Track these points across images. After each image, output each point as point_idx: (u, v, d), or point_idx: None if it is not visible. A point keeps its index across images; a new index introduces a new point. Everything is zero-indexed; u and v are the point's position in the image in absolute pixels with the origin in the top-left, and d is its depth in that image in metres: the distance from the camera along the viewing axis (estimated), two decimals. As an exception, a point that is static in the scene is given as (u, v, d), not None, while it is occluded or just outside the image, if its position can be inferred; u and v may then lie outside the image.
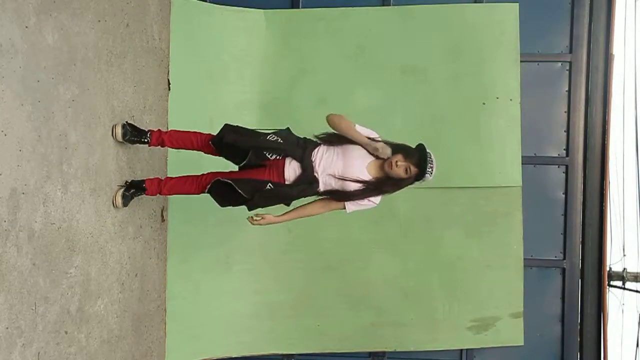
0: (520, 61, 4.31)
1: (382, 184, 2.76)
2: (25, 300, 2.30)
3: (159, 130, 3.08)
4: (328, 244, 4.37)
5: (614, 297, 6.80)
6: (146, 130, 3.07)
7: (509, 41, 4.31)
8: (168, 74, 3.94)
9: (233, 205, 2.87)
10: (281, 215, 2.88)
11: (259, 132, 2.86)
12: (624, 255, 7.01)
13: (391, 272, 4.37)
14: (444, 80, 4.35)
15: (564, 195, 4.47)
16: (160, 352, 3.86)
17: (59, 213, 2.52)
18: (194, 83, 4.16)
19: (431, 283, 4.38)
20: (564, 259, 4.49)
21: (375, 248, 4.37)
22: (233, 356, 4.34)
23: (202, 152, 3.01)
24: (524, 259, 4.35)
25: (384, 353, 4.51)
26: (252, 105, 4.39)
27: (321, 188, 2.79)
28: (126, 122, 3.08)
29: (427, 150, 2.69)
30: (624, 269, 6.47)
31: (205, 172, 2.99)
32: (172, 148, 3.11)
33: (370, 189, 2.75)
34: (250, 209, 2.87)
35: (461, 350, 4.51)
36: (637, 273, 6.50)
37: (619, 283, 6.48)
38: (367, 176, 2.75)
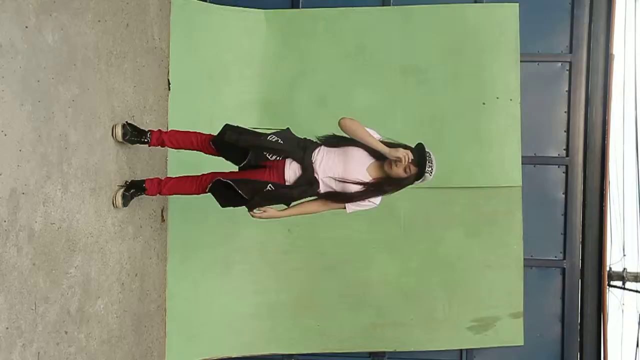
0: (520, 61, 4.31)
1: (383, 185, 2.76)
2: (25, 300, 2.30)
3: (159, 130, 3.08)
4: (328, 244, 4.37)
5: (614, 297, 6.80)
6: (146, 130, 3.07)
7: (509, 41, 4.31)
8: (168, 74, 3.94)
9: (234, 206, 2.86)
10: (283, 210, 2.88)
11: (259, 132, 2.86)
12: (624, 255, 7.01)
13: (391, 272, 4.37)
14: (444, 80, 4.35)
15: (564, 195, 4.47)
16: (160, 352, 3.86)
17: (59, 213, 2.52)
18: (194, 83, 4.16)
19: (431, 283, 4.38)
20: (564, 259, 4.49)
21: (376, 248, 4.37)
22: (233, 356, 4.34)
23: (202, 152, 3.01)
24: (524, 259, 4.35)
25: (384, 353, 4.51)
26: (252, 105, 4.39)
27: (322, 189, 2.79)
28: (126, 122, 3.08)
29: (427, 150, 2.69)
30: (624, 269, 6.47)
31: (205, 172, 2.99)
32: (172, 148, 3.11)
33: (371, 190, 2.75)
34: (250, 210, 2.87)
35: (461, 350, 4.51)
36: (637, 273, 6.50)
37: (619, 283, 6.48)
38: (367, 178, 2.75)
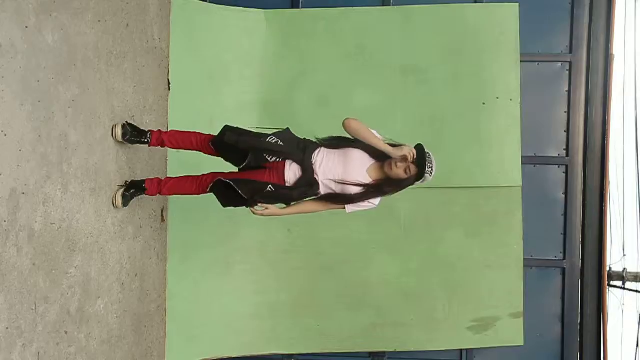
0: (520, 61, 4.31)
1: (383, 186, 2.76)
2: (25, 300, 2.30)
3: (159, 130, 3.08)
4: (328, 244, 4.37)
5: (614, 297, 6.80)
6: (146, 130, 3.07)
7: (509, 41, 4.31)
8: (168, 74, 3.94)
9: (235, 206, 2.86)
10: (283, 208, 2.88)
11: (259, 134, 2.85)
12: (624, 255, 7.01)
13: (391, 272, 4.37)
14: (444, 80, 4.35)
15: (564, 195, 4.47)
16: (160, 352, 3.86)
17: (59, 213, 2.52)
18: (194, 83, 4.16)
19: (431, 283, 4.38)
20: (564, 259, 4.49)
21: (376, 248, 4.37)
22: (233, 356, 4.34)
23: (202, 153, 3.01)
24: (524, 259, 4.35)
25: (384, 353, 4.51)
26: (252, 105, 4.39)
27: (322, 191, 2.79)
28: (126, 122, 3.09)
29: (427, 151, 2.69)
30: (624, 269, 6.47)
31: (205, 172, 2.99)
32: (172, 148, 3.11)
33: (371, 191, 2.75)
34: (252, 206, 2.86)
35: (461, 350, 4.51)
36: (637, 273, 6.50)
37: (619, 283, 6.47)
38: (367, 179, 2.75)
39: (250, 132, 2.88)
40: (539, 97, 4.44)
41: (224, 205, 2.89)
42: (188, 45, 4.12)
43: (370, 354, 4.54)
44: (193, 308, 4.14)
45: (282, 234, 4.33)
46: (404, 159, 2.64)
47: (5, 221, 2.15)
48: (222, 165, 2.99)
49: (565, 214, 4.46)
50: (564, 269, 4.49)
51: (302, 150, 2.78)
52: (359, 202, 2.78)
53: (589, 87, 4.42)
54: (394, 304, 4.38)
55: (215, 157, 2.99)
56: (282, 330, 4.38)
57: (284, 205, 2.88)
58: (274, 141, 2.77)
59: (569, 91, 4.44)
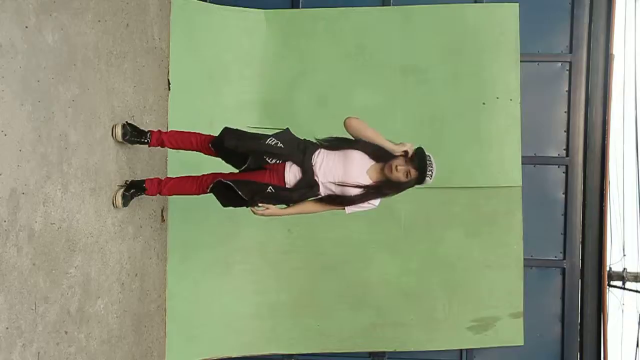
0: (520, 61, 4.31)
1: (382, 188, 2.76)
2: (25, 300, 2.30)
3: (159, 130, 3.08)
4: (328, 244, 4.37)
5: (614, 297, 6.80)
6: (146, 130, 3.07)
7: (509, 41, 4.31)
8: (168, 74, 3.94)
9: (234, 206, 2.86)
10: (284, 209, 2.88)
11: (258, 136, 2.84)
12: (624, 255, 7.01)
13: (391, 272, 4.37)
14: (444, 80, 4.35)
15: (564, 195, 4.47)
16: (160, 352, 3.86)
17: (59, 213, 2.52)
18: (194, 83, 4.16)
19: (431, 283, 4.38)
20: (564, 259, 4.49)
21: (376, 248, 4.37)
22: (233, 356, 4.34)
23: (202, 153, 3.01)
24: (524, 259, 4.35)
25: (384, 353, 4.51)
26: (252, 105, 4.39)
27: (322, 192, 2.79)
28: (126, 122, 3.08)
29: (427, 154, 2.69)
30: (624, 269, 6.48)
31: (205, 173, 2.99)
32: (172, 148, 3.11)
33: (371, 192, 2.75)
34: (252, 206, 2.86)
35: (461, 350, 4.51)
36: (637, 273, 6.50)
37: (619, 283, 6.48)
38: (367, 181, 2.75)
39: (250, 134, 2.87)
40: (539, 97, 4.44)
41: (224, 206, 2.90)
42: (188, 45, 4.12)
43: (370, 354, 4.54)
44: (193, 308, 4.14)
45: (282, 234, 4.33)
46: (406, 155, 2.66)
47: (5, 221, 2.15)
48: (222, 166, 2.98)
49: (565, 214, 4.46)
50: (564, 269, 4.49)
51: (302, 152, 2.78)
52: (359, 203, 2.78)
53: (589, 87, 4.42)
54: (394, 304, 4.38)
55: (216, 158, 2.99)
56: (282, 330, 4.38)
57: (284, 206, 2.88)
58: (273, 143, 2.76)
59: (569, 91, 4.44)
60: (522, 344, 4.38)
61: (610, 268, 6.29)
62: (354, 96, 4.36)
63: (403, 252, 4.37)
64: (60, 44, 2.52)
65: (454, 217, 4.36)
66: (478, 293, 4.37)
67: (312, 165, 2.76)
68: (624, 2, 6.37)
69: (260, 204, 2.80)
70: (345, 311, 4.39)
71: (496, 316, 4.38)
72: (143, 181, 3.10)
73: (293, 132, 2.89)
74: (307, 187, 2.77)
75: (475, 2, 4.41)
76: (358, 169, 2.74)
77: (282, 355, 4.48)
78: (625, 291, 6.56)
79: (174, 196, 3.35)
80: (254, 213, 2.83)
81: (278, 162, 2.79)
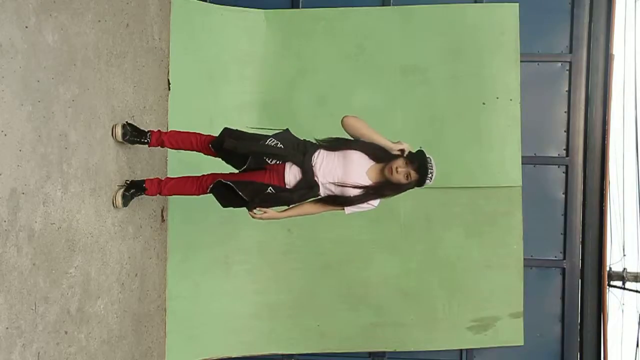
0: (520, 61, 4.31)
1: (382, 189, 2.75)
2: (25, 300, 2.30)
3: (159, 130, 3.08)
4: (328, 244, 4.37)
5: (614, 297, 6.81)
6: (146, 130, 3.07)
7: (509, 41, 4.31)
8: (168, 74, 3.94)
9: (234, 207, 2.86)
10: (282, 211, 2.88)
11: (258, 136, 2.84)
12: (624, 255, 7.02)
13: (391, 272, 4.37)
14: (444, 80, 4.35)
15: (564, 195, 4.47)
16: (160, 352, 3.86)
17: (59, 213, 2.52)
18: (194, 83, 4.16)
19: (431, 283, 4.38)
20: (564, 259, 4.49)
21: (375, 248, 4.37)
22: (233, 356, 4.34)
23: (202, 153, 3.01)
24: (524, 259, 4.35)
25: (384, 353, 4.51)
26: (252, 106, 4.39)
27: (322, 193, 2.79)
28: (126, 122, 3.08)
29: (428, 156, 2.69)
30: (624, 269, 6.48)
31: (205, 173, 2.99)
32: (172, 149, 3.10)
33: (370, 193, 2.75)
34: (251, 210, 2.86)
35: (461, 350, 4.51)
36: (637, 273, 6.51)
37: (619, 283, 6.48)
38: (367, 181, 2.74)
39: (250, 134, 2.87)
40: (539, 97, 4.44)
41: (224, 206, 2.90)
42: (188, 45, 4.12)
43: (370, 354, 4.54)
44: (193, 308, 4.14)
45: (282, 234, 4.33)
46: (402, 153, 2.66)
47: (5, 221, 2.15)
48: (222, 166, 2.98)
49: (565, 214, 4.46)
50: (564, 269, 4.49)
51: (302, 152, 2.78)
52: (358, 203, 2.78)
53: (589, 87, 4.42)
54: (394, 304, 4.38)
55: (216, 158, 2.98)
56: (282, 330, 4.38)
57: (283, 208, 2.88)
58: (273, 143, 2.76)
59: (569, 91, 4.44)
60: (522, 344, 4.38)
61: (610, 268, 6.30)
62: (353, 96, 4.36)
63: (403, 252, 4.37)
64: (60, 44, 2.52)
65: (454, 217, 4.36)
66: (478, 293, 4.37)
67: (312, 166, 2.75)
68: (624, 2, 6.38)
69: (258, 208, 2.80)
70: (345, 311, 4.39)
71: (496, 316, 4.38)
72: (143, 181, 3.10)
73: (293, 133, 2.89)
74: (307, 188, 2.77)
75: (475, 2, 4.41)
76: (358, 170, 2.74)
77: (282, 355, 4.48)
78: (625, 291, 6.56)
79: (174, 196, 3.35)
80: (253, 217, 2.83)
81: (278, 162, 2.78)
